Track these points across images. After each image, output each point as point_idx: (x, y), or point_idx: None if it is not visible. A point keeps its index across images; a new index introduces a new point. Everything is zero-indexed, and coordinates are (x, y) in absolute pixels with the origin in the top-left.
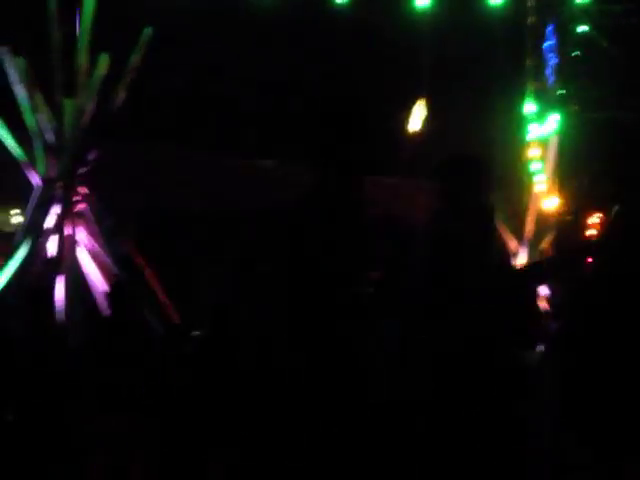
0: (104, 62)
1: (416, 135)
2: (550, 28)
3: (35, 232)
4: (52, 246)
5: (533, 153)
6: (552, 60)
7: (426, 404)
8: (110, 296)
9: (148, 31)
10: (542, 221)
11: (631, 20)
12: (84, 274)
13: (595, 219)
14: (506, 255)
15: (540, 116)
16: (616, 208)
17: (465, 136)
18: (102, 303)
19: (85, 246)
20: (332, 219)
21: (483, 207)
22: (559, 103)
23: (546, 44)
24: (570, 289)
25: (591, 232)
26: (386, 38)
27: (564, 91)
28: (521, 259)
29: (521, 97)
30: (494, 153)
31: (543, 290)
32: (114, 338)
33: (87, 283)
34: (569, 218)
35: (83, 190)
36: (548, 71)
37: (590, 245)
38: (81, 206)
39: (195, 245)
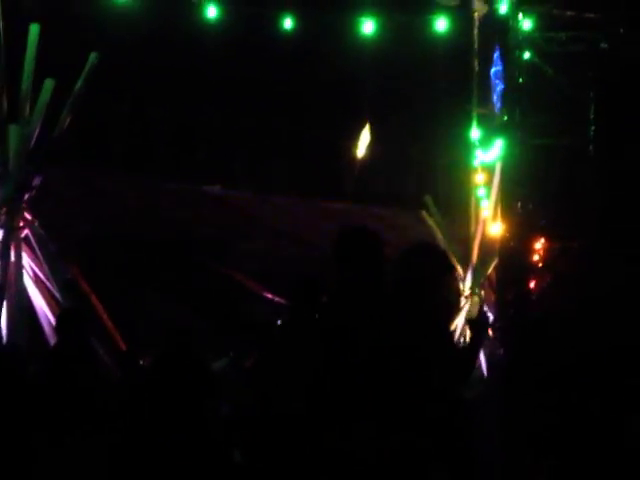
0: (49, 87)
1: (361, 160)
2: (496, 54)
3: None
4: None
5: (478, 179)
6: (498, 86)
7: None
8: (58, 324)
9: (94, 56)
10: (487, 247)
11: (575, 47)
12: (29, 300)
13: (539, 244)
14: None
15: (486, 142)
16: None
17: (410, 162)
18: (47, 330)
19: (30, 272)
20: None
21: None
22: (504, 129)
23: (492, 70)
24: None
25: (535, 257)
26: (331, 64)
27: (508, 117)
28: (467, 284)
29: (467, 123)
30: (439, 178)
31: (489, 316)
32: (63, 367)
33: (32, 309)
34: (513, 244)
35: (27, 216)
36: (494, 97)
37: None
38: (25, 232)
39: (141, 271)
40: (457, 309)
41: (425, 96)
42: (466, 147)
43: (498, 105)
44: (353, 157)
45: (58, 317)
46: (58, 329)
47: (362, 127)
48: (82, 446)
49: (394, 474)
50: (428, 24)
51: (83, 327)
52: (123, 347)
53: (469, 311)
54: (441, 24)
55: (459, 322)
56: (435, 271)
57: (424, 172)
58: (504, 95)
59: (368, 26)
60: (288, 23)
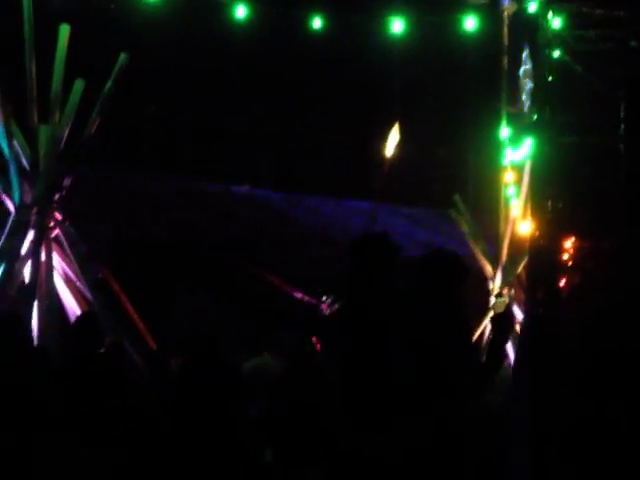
0: (79, 88)
1: (391, 160)
2: (525, 53)
3: (10, 258)
4: (27, 272)
5: (508, 178)
6: (527, 85)
7: None
8: (76, 329)
9: (124, 57)
10: (517, 246)
11: (605, 45)
12: (60, 300)
13: (569, 243)
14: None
15: (515, 141)
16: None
17: (439, 161)
18: None
19: (60, 272)
20: None
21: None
22: (534, 128)
23: (522, 69)
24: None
25: (565, 257)
26: (361, 63)
27: (538, 116)
28: (497, 283)
29: (496, 121)
30: (469, 178)
31: (519, 314)
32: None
33: (63, 309)
34: (543, 242)
35: (58, 216)
36: (523, 96)
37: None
38: (56, 232)
39: (171, 271)
40: (486, 309)
41: (454, 95)
42: (496, 146)
43: (527, 103)
44: (382, 156)
45: (77, 322)
46: (76, 334)
47: (391, 126)
48: (104, 449)
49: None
50: (457, 23)
51: (98, 333)
52: (153, 347)
53: (495, 310)
54: (470, 23)
55: (487, 321)
56: (448, 278)
57: (453, 171)
58: (533, 93)
59: (397, 25)
60: (317, 23)
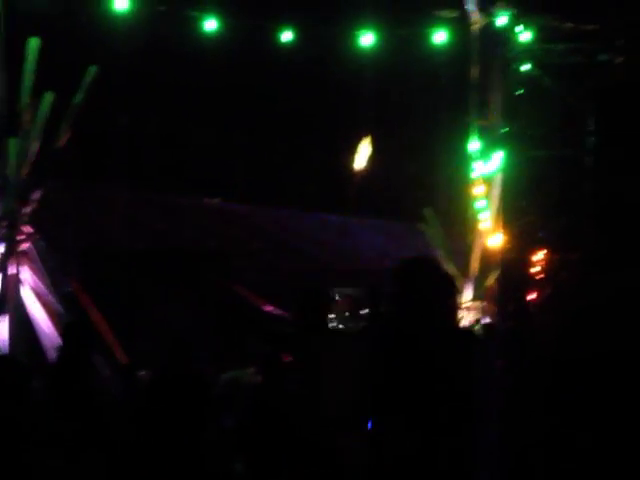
0: (48, 100)
1: (361, 173)
2: (495, 66)
3: None
4: None
5: (478, 191)
6: (497, 98)
7: None
8: (63, 337)
9: (93, 69)
10: (487, 258)
11: (574, 59)
12: (29, 314)
13: (539, 256)
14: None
15: (484, 154)
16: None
17: (409, 174)
18: (47, 343)
19: (29, 285)
20: None
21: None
22: (503, 141)
23: (491, 82)
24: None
25: (535, 269)
26: (330, 76)
27: (508, 129)
28: (467, 296)
29: (466, 135)
30: (439, 191)
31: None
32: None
33: (32, 323)
34: (513, 255)
35: (27, 229)
36: (493, 109)
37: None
38: (25, 245)
39: (141, 284)
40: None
41: (424, 108)
42: (466, 159)
43: (497, 117)
44: (353, 169)
45: (63, 329)
46: (63, 341)
47: (362, 139)
48: (83, 460)
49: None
50: (427, 36)
51: (88, 339)
52: (124, 360)
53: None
54: (440, 36)
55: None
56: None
57: (423, 184)
58: (503, 107)
59: (367, 39)
60: (287, 36)
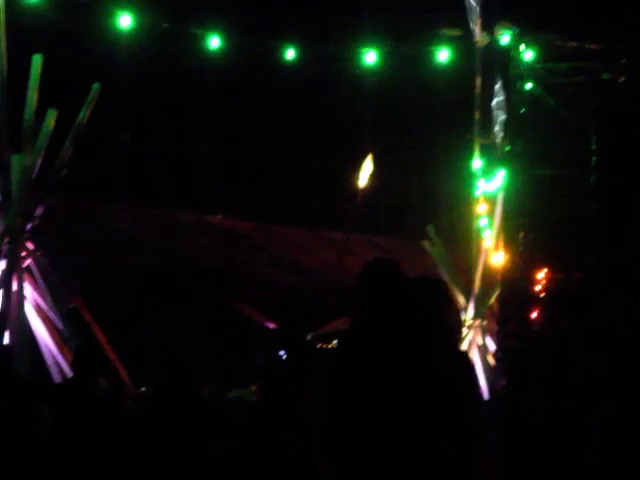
0: (52, 117)
1: (364, 190)
2: (498, 85)
3: None
4: None
5: (480, 209)
6: (500, 116)
7: None
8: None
9: (97, 86)
10: (489, 276)
11: (577, 78)
12: (31, 330)
13: (542, 274)
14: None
15: (488, 172)
16: None
17: (412, 192)
18: (49, 359)
19: (32, 302)
20: None
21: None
22: (506, 159)
23: (494, 101)
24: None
25: (537, 288)
26: (334, 94)
27: (511, 147)
28: (469, 314)
29: (469, 153)
30: (442, 209)
31: (491, 345)
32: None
33: (34, 339)
34: (515, 274)
35: (30, 246)
36: (496, 127)
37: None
38: (28, 262)
39: (143, 301)
40: (459, 339)
41: (427, 126)
42: (468, 177)
43: (500, 135)
44: (355, 187)
45: (76, 353)
46: (76, 365)
47: (364, 157)
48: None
49: None
50: (431, 55)
51: (99, 364)
52: (125, 376)
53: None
54: (443, 55)
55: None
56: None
57: (426, 202)
58: (506, 125)
59: (370, 57)
60: (291, 54)
